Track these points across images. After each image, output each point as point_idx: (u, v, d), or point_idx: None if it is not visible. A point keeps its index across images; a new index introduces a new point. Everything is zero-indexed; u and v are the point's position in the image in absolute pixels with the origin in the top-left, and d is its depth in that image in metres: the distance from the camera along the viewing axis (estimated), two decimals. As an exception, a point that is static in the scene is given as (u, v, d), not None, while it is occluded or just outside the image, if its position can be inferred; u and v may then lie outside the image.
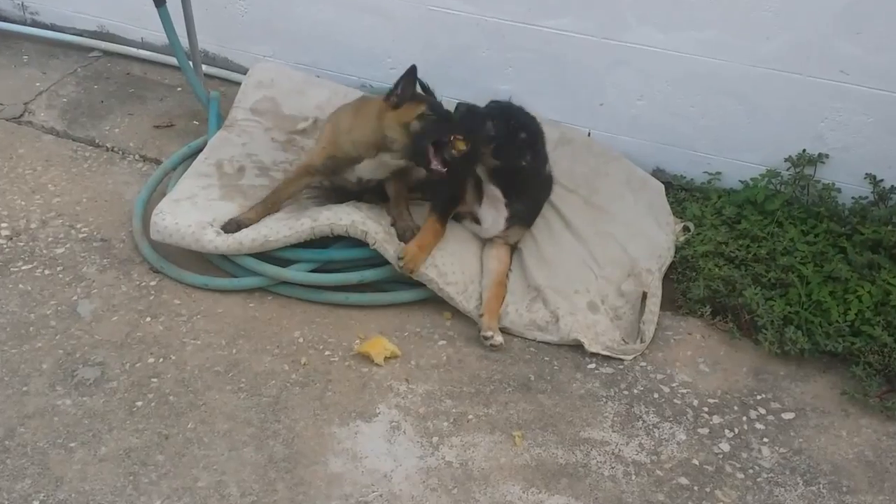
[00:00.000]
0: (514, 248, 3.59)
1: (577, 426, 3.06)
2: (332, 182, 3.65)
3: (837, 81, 3.61)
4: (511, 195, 3.46)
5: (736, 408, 3.15)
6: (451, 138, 3.22)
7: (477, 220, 3.56)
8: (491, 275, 3.48)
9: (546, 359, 3.32)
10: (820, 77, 3.63)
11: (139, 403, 3.05)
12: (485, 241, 3.59)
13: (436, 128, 3.27)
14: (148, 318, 3.39)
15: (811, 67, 3.63)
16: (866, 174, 3.71)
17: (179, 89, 4.73)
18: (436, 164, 3.25)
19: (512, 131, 3.36)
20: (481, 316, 3.37)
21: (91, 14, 5.00)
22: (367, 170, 3.48)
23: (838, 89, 3.63)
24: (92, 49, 5.02)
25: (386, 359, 3.26)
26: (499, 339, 3.30)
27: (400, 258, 3.34)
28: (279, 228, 3.45)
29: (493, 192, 3.46)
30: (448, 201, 3.53)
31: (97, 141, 4.35)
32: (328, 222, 3.41)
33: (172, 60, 4.61)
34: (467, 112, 3.33)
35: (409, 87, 3.34)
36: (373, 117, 3.40)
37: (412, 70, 3.33)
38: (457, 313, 3.46)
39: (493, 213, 3.51)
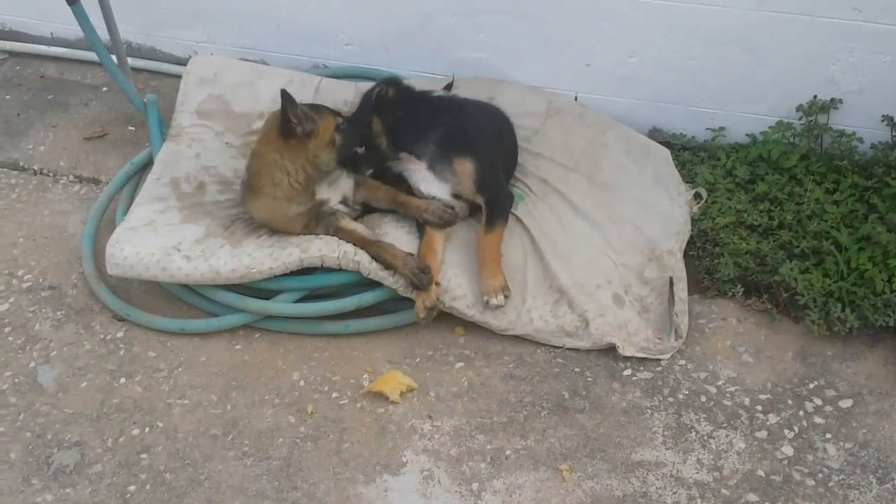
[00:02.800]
0: (493, 200, 3.13)
1: (627, 448, 2.77)
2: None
3: (850, 20, 3.28)
4: (412, 146, 3.17)
5: (790, 401, 2.89)
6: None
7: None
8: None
9: (577, 370, 3.00)
10: (830, 17, 3.30)
11: (132, 488, 2.67)
12: None
13: (355, 129, 3.15)
14: (122, 379, 2.98)
15: (820, 7, 3.29)
16: (883, 116, 3.42)
17: (105, 89, 4.18)
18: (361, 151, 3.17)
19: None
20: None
21: (-11, 11, 4.38)
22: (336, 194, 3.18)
23: (851, 28, 3.30)
24: (-4, 51, 4.43)
25: (401, 393, 2.91)
26: (495, 300, 2.98)
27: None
28: (263, 258, 3.02)
29: (406, 159, 3.21)
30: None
31: (21, 164, 3.82)
32: (319, 253, 2.99)
33: (90, 56, 4.08)
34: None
35: (299, 109, 3.00)
36: (291, 160, 3.06)
37: (287, 94, 2.97)
38: (469, 326, 3.10)
39: (419, 174, 3.20)
